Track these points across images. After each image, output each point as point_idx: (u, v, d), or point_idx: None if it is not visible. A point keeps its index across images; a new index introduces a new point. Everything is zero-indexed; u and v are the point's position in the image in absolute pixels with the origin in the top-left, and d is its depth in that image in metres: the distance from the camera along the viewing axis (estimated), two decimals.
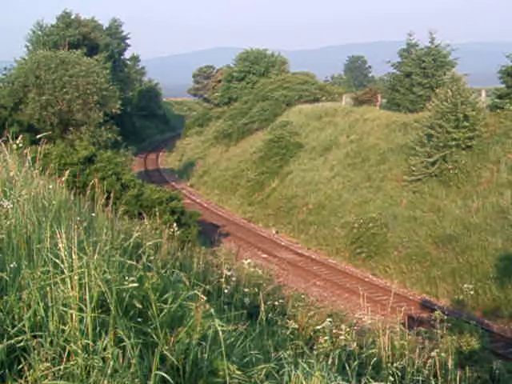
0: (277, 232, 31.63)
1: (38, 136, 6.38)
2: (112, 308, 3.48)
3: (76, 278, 3.52)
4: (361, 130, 35.10)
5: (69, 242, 3.72)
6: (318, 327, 6.58)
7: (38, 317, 3.45)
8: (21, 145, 6.12)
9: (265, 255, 26.62)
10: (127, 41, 69.55)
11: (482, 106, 27.64)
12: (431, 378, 5.28)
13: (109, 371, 3.18)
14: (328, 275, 24.22)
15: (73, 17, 55.85)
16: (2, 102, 30.79)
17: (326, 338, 5.98)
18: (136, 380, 3.23)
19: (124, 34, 68.83)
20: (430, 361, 5.82)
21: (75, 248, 3.65)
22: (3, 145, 6.31)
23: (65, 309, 3.44)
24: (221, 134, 50.63)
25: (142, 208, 18.42)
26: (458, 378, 5.40)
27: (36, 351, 3.23)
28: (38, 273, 3.67)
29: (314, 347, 5.69)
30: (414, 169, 27.33)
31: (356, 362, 4.77)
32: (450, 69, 33.50)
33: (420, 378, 5.22)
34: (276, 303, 7.19)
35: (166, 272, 4.66)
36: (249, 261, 9.35)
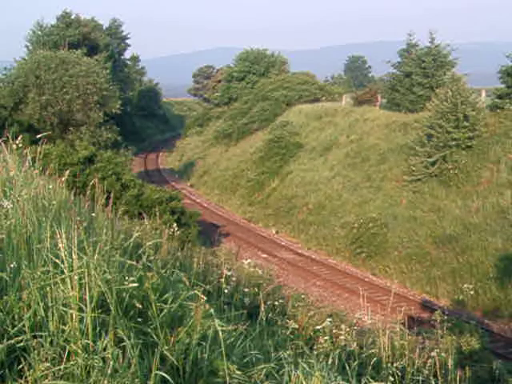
0: (277, 232, 31.62)
1: (38, 136, 6.38)
2: (112, 308, 3.48)
3: (76, 278, 3.52)
4: (361, 130, 35.10)
5: (69, 242, 3.72)
6: (318, 327, 6.58)
7: (38, 317, 3.45)
8: (21, 145, 6.12)
9: (265, 255, 26.62)
10: (127, 41, 69.65)
11: (482, 105, 27.64)
12: (431, 377, 5.28)
13: (109, 371, 3.18)
14: (328, 275, 24.22)
15: (73, 17, 55.88)
16: (2, 101, 30.79)
17: (326, 337, 5.98)
18: (136, 380, 3.23)
19: (124, 34, 68.91)
20: (429, 361, 5.81)
21: (75, 248, 3.65)
22: (3, 145, 6.30)
23: (65, 309, 3.44)
24: (221, 134, 50.65)
25: (141, 208, 18.43)
26: (457, 378, 5.40)
27: (36, 351, 3.23)
28: (38, 273, 3.67)
29: (314, 347, 5.69)
30: (414, 169, 27.33)
31: (356, 362, 4.77)
32: (450, 69, 33.52)
33: (420, 378, 5.22)
34: (276, 303, 7.19)
35: (166, 272, 4.65)
36: (249, 261, 9.36)
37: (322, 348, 5.66)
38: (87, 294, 3.46)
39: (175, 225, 9.31)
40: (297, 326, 6.18)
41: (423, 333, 9.77)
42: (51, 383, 3.14)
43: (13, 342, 3.24)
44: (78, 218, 4.94)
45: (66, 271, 3.59)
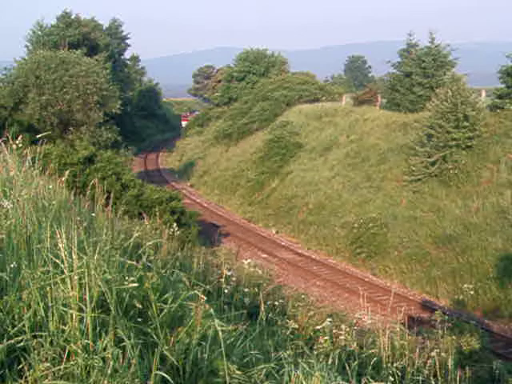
0: (277, 232, 31.62)
1: (38, 136, 6.39)
2: (112, 308, 3.48)
3: (76, 277, 3.52)
4: (361, 130, 35.10)
5: (69, 241, 3.72)
6: (318, 327, 6.58)
7: (38, 317, 3.45)
8: (21, 145, 6.12)
9: (265, 255, 26.61)
10: (127, 41, 69.65)
11: (482, 105, 27.63)
12: (431, 378, 5.28)
13: (109, 371, 3.18)
14: (328, 275, 24.21)
15: (73, 17, 55.84)
16: (2, 102, 30.77)
17: (326, 337, 5.99)
18: (136, 380, 3.23)
19: (124, 34, 68.90)
20: (429, 361, 5.82)
21: (75, 248, 3.65)
22: (3, 145, 6.31)
23: (65, 309, 3.44)
24: (221, 134, 50.64)
25: (141, 208, 18.43)
26: (457, 378, 5.40)
27: (36, 351, 3.23)
28: (38, 273, 3.67)
29: (314, 347, 5.69)
30: (413, 169, 27.33)
31: (356, 362, 4.77)
32: (450, 69, 33.53)
33: (420, 378, 5.22)
34: (276, 303, 7.20)
35: (166, 272, 4.66)
36: (249, 261, 9.35)
37: (322, 348, 5.66)
38: (87, 294, 3.46)
39: (175, 225, 9.31)
40: (297, 326, 6.18)
41: (423, 333, 9.78)
42: (51, 383, 3.14)
43: (13, 341, 3.24)
44: (78, 218, 4.94)
45: (65, 271, 3.59)
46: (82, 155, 20.14)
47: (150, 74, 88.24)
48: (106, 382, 3.15)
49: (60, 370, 3.19)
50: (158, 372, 3.28)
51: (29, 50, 50.29)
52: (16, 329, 3.34)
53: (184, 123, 73.46)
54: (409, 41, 37.99)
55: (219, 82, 68.86)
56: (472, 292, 19.34)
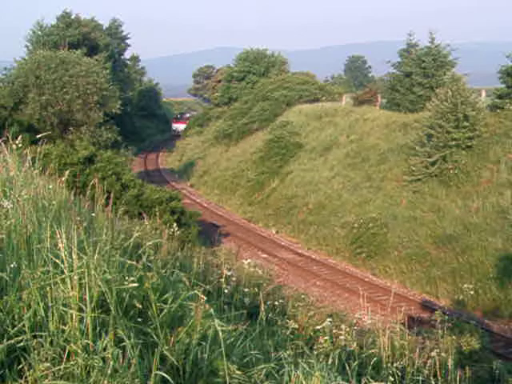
0: (277, 232, 31.62)
1: (38, 136, 6.39)
2: (112, 308, 3.48)
3: (76, 278, 3.52)
4: (361, 130, 35.09)
5: (69, 241, 3.72)
6: (318, 327, 6.58)
7: (38, 317, 3.45)
8: (21, 145, 6.12)
9: (265, 255, 26.60)
10: (127, 41, 69.63)
11: (482, 105, 27.62)
12: (431, 378, 5.28)
13: (109, 371, 3.18)
14: (328, 275, 24.21)
15: (73, 17, 55.81)
16: (2, 102, 30.75)
17: (326, 337, 5.99)
18: (136, 380, 3.23)
19: (124, 34, 68.90)
20: (429, 361, 5.82)
21: (75, 248, 3.65)
22: (3, 145, 6.31)
23: (65, 309, 3.45)
24: (221, 134, 50.64)
25: (141, 208, 18.43)
26: (458, 378, 5.40)
27: (36, 351, 3.23)
28: (38, 273, 3.67)
29: (314, 347, 5.69)
30: (413, 169, 27.33)
31: (356, 362, 4.77)
32: (450, 69, 33.53)
33: (420, 378, 5.22)
34: (276, 303, 7.20)
35: (166, 272, 4.66)
36: (249, 261, 9.36)
37: (322, 348, 5.66)
38: (87, 293, 3.46)
39: (175, 225, 9.32)
40: (297, 326, 6.19)
41: (423, 333, 9.78)
42: (51, 383, 3.14)
43: (13, 341, 3.25)
44: (78, 218, 4.94)
45: (65, 271, 3.59)
46: (82, 155, 20.13)
47: (150, 73, 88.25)
48: (105, 382, 3.16)
49: (60, 369, 3.20)
50: (158, 372, 3.28)
51: (29, 49, 50.26)
52: (16, 329, 3.34)
53: (176, 126, 72.66)
54: (409, 41, 38.02)
55: (219, 81, 68.93)
56: (472, 292, 19.34)
